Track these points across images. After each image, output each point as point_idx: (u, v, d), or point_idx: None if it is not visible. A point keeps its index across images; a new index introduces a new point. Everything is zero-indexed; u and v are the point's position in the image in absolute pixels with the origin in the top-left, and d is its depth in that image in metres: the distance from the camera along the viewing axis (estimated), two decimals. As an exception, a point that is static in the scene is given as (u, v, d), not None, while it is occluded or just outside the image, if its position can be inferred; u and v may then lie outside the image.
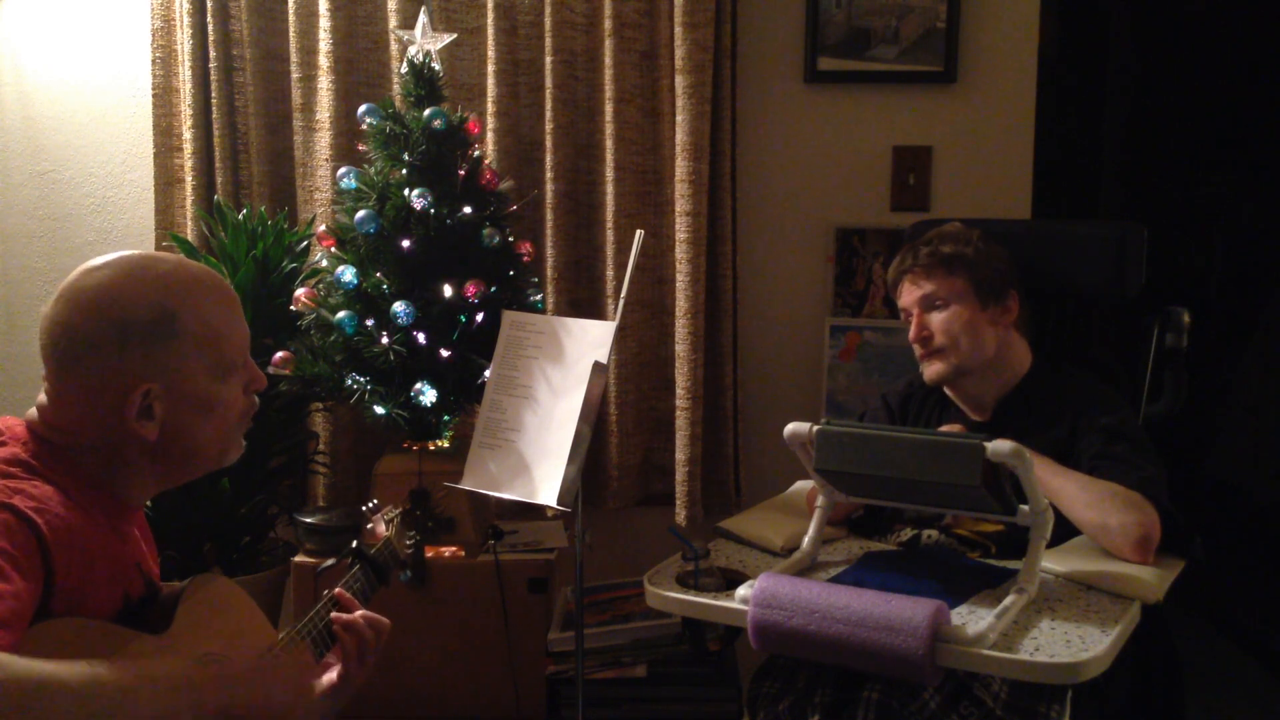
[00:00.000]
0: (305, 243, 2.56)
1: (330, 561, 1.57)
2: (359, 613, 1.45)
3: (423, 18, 2.35)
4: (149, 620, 1.23)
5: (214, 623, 1.29)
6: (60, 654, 1.00)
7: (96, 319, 1.20)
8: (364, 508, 1.67)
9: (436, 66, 2.38)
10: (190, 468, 1.30)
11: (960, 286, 1.86)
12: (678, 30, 2.60)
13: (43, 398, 1.24)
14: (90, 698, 0.97)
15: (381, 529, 1.64)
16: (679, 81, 2.62)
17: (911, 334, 1.90)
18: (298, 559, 2.37)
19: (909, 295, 1.90)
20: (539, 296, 2.47)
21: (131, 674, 1.03)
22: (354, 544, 1.59)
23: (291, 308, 2.36)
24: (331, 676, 1.44)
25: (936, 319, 1.87)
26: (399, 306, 2.21)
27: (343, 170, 2.35)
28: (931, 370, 1.90)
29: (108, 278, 1.22)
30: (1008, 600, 1.49)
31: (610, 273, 2.71)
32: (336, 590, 1.48)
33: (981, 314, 1.86)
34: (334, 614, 1.43)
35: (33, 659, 0.96)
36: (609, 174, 2.68)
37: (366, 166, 2.36)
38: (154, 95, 2.74)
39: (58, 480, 1.18)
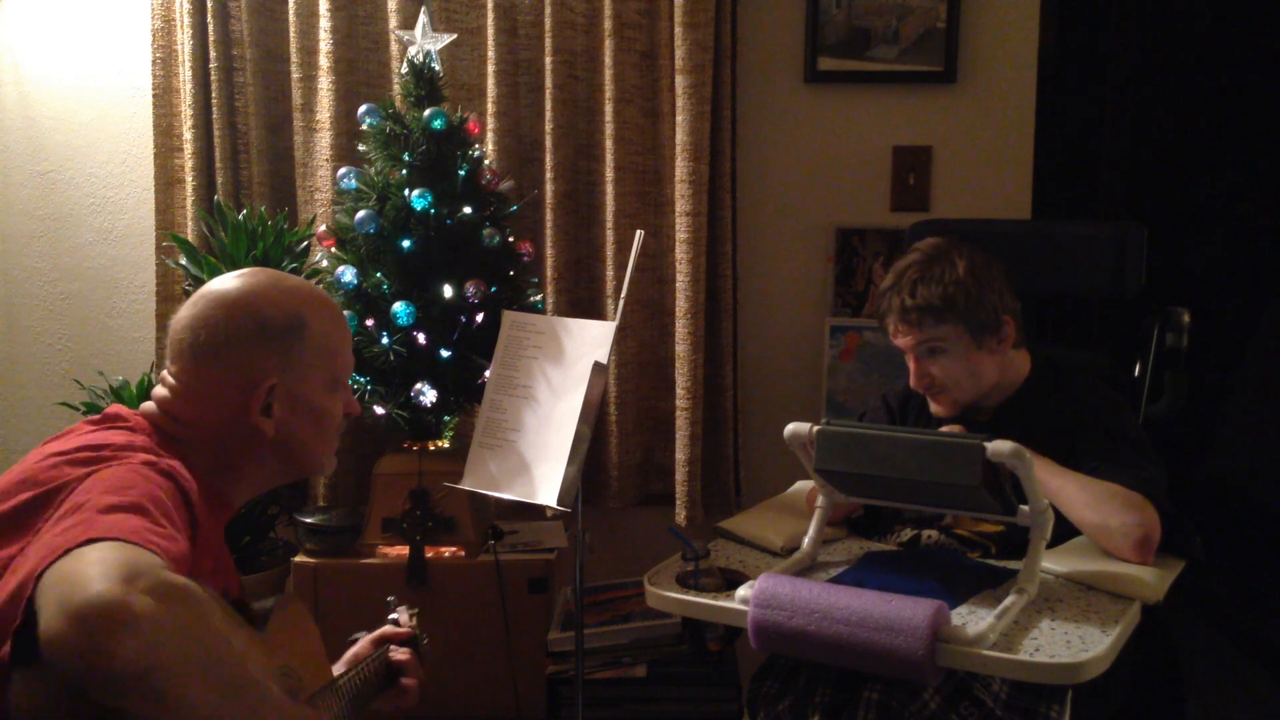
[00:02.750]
0: (305, 243, 2.56)
1: (361, 635, 1.67)
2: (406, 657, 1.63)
3: (423, 18, 2.35)
4: (247, 618, 1.29)
5: (295, 640, 1.38)
6: None
7: (238, 316, 1.31)
8: (388, 599, 1.75)
9: (436, 66, 2.38)
10: (295, 469, 1.40)
11: (953, 331, 1.82)
12: (678, 30, 2.60)
13: (163, 391, 1.33)
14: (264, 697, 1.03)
15: (405, 620, 1.71)
16: (679, 81, 2.62)
17: (912, 381, 1.88)
18: (298, 559, 2.37)
19: (902, 339, 1.87)
20: (539, 296, 2.47)
21: (276, 692, 1.06)
22: (391, 616, 1.69)
23: (291, 308, 2.35)
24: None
25: (935, 366, 1.85)
26: (399, 306, 2.21)
27: (343, 170, 2.35)
28: (939, 410, 1.90)
29: (248, 284, 1.35)
30: (1008, 600, 1.49)
31: (610, 273, 2.71)
32: (392, 652, 1.62)
33: (979, 352, 1.84)
34: (395, 654, 1.62)
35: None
36: (609, 174, 2.67)
37: (366, 166, 2.36)
38: (154, 95, 2.74)
39: None
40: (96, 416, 1.30)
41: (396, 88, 2.58)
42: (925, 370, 1.86)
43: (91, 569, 0.92)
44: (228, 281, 1.35)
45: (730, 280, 2.73)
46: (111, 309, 2.92)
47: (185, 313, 1.34)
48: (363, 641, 1.64)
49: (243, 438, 1.32)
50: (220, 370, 1.30)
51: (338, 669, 1.54)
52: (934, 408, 1.90)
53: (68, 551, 0.95)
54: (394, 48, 2.69)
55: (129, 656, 0.88)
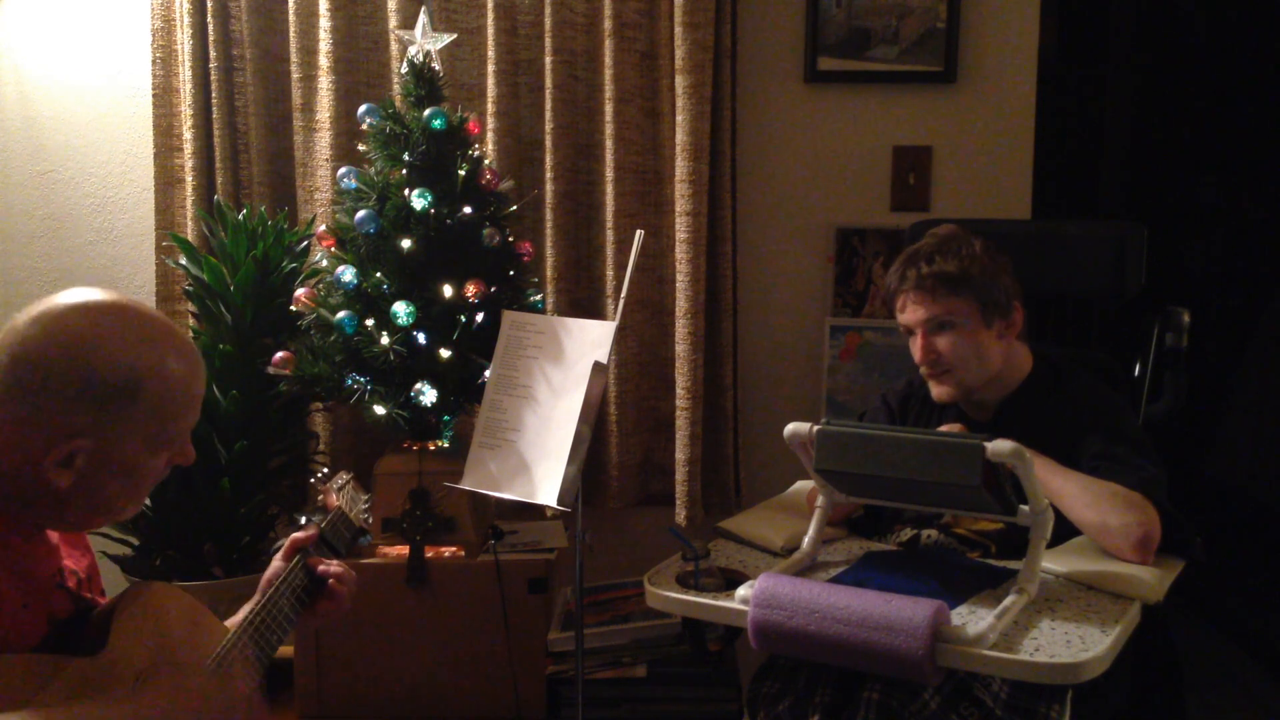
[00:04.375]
0: (305, 243, 2.56)
1: (281, 543, 1.55)
2: (333, 568, 1.50)
3: (423, 18, 2.35)
4: (85, 639, 1.19)
5: (153, 636, 1.24)
6: None
7: (67, 365, 1.16)
8: (312, 480, 1.65)
9: (436, 66, 2.38)
10: (89, 522, 1.27)
11: (966, 307, 1.81)
12: (678, 30, 2.60)
13: None
14: None
15: (333, 500, 1.61)
16: (679, 81, 2.62)
17: (918, 356, 1.86)
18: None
19: (912, 314, 1.85)
20: (539, 296, 2.47)
21: None
22: (302, 520, 1.57)
23: (291, 308, 2.36)
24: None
25: (943, 341, 1.83)
26: (399, 306, 2.21)
27: (343, 170, 2.35)
28: (941, 392, 1.88)
29: (89, 326, 1.18)
30: (1008, 600, 1.49)
31: (610, 273, 2.71)
32: (317, 564, 1.50)
33: (987, 332, 1.83)
34: (322, 568, 1.49)
35: None
36: (609, 174, 2.68)
37: (366, 166, 2.36)
38: (154, 95, 2.74)
39: None
40: None
41: (396, 88, 2.58)
42: (933, 346, 1.83)
43: None
44: (72, 315, 1.18)
45: (730, 280, 2.73)
46: (111, 309, 2.92)
47: (21, 328, 1.17)
48: (274, 561, 1.51)
49: (32, 482, 1.17)
50: (26, 411, 1.15)
51: (245, 609, 1.44)
52: (935, 390, 1.89)
53: None
54: (394, 48, 2.69)
55: None
